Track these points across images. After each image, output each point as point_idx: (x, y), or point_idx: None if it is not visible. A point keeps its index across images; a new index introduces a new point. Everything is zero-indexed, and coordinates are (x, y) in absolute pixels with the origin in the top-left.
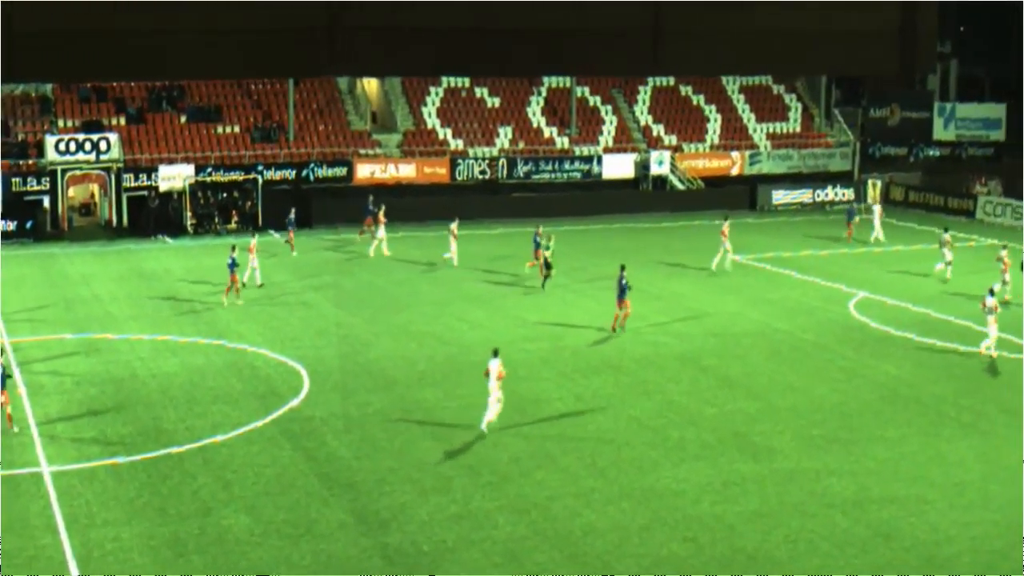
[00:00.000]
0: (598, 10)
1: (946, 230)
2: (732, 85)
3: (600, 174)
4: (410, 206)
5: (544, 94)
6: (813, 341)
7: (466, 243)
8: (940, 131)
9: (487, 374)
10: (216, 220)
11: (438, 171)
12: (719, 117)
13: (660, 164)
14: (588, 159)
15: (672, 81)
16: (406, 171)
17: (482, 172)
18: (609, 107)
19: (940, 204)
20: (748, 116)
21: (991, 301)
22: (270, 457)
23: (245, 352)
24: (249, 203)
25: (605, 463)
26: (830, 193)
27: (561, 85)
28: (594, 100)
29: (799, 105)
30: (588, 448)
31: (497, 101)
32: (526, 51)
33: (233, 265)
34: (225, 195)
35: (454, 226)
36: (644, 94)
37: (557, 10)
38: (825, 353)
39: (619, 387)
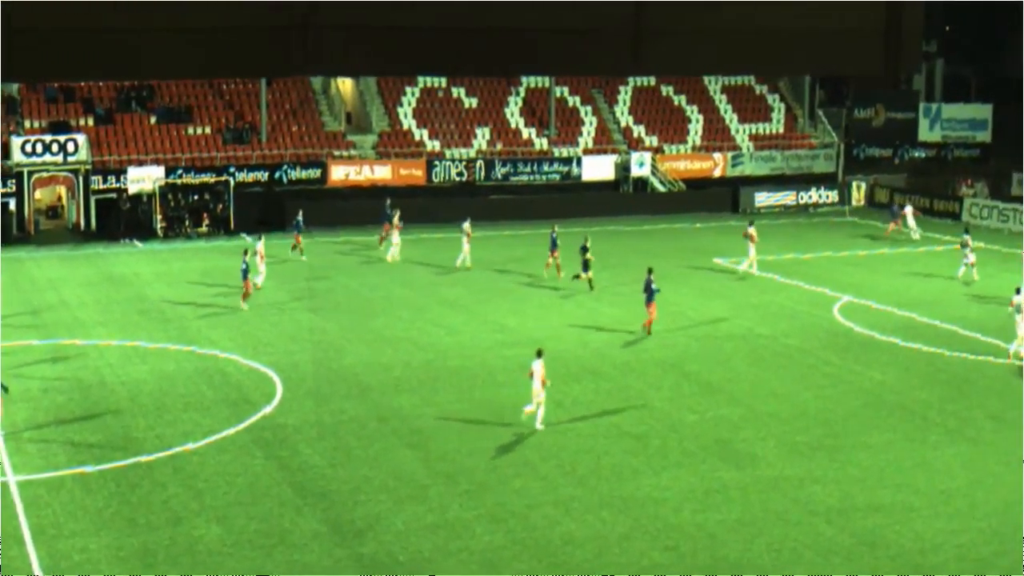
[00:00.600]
0: (577, 8)
1: (966, 231)
2: (714, 85)
3: (580, 176)
4: (385, 209)
5: (522, 94)
6: (797, 346)
7: (443, 246)
8: (926, 132)
9: (531, 375)
10: (187, 223)
11: (414, 173)
12: (701, 118)
13: (641, 166)
14: (567, 161)
15: (653, 81)
16: (381, 173)
17: (459, 174)
18: (589, 107)
19: (926, 206)
20: (730, 117)
21: (1018, 299)
22: (242, 466)
23: (216, 358)
24: (220, 206)
25: (585, 471)
26: (814, 195)
27: (540, 85)
28: (573, 100)
29: (782, 106)
30: (568, 456)
31: (474, 101)
32: (504, 50)
33: (246, 271)
34: (196, 198)
35: (467, 226)
36: (624, 94)
37: (535, 8)
38: (809, 358)
39: (599, 394)
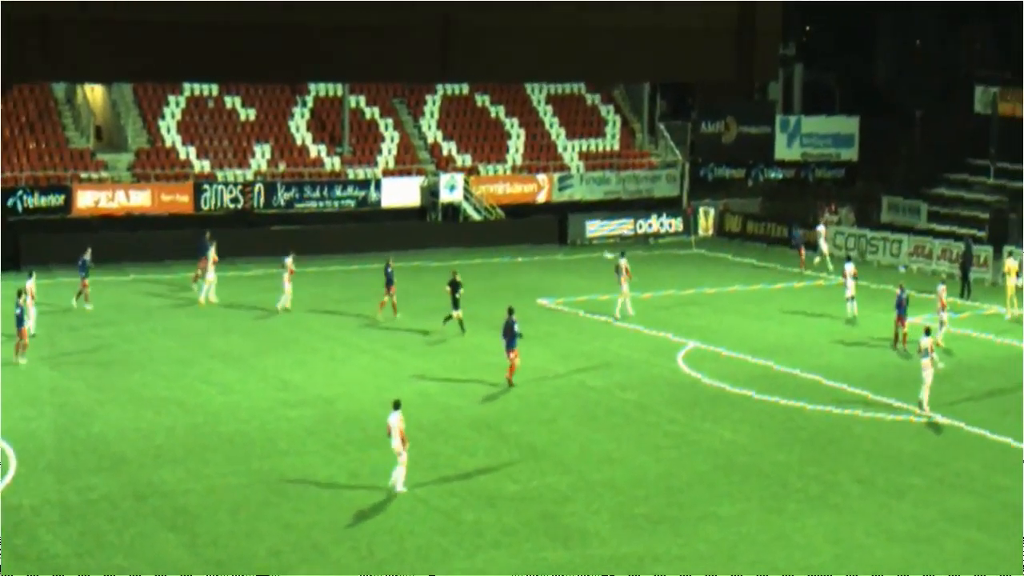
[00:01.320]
0: (375, 3)
1: (848, 259)
2: (538, 94)
3: (379, 202)
4: (144, 243)
5: (310, 105)
6: (635, 401)
7: (215, 287)
8: (783, 149)
9: (389, 432)
10: None
11: (179, 199)
12: (522, 133)
13: (452, 189)
14: (364, 184)
15: (466, 89)
16: (139, 199)
17: (234, 200)
18: (390, 120)
19: (783, 236)
20: (557, 131)
21: (926, 341)
22: None
23: None
24: None
25: (385, 554)
26: (654, 223)
27: (331, 94)
28: (371, 112)
29: (617, 118)
30: (364, 537)
31: (252, 113)
32: (287, 52)
33: (22, 317)
34: None
35: (289, 261)
36: (432, 105)
37: (326, 3)
38: (649, 415)
39: None
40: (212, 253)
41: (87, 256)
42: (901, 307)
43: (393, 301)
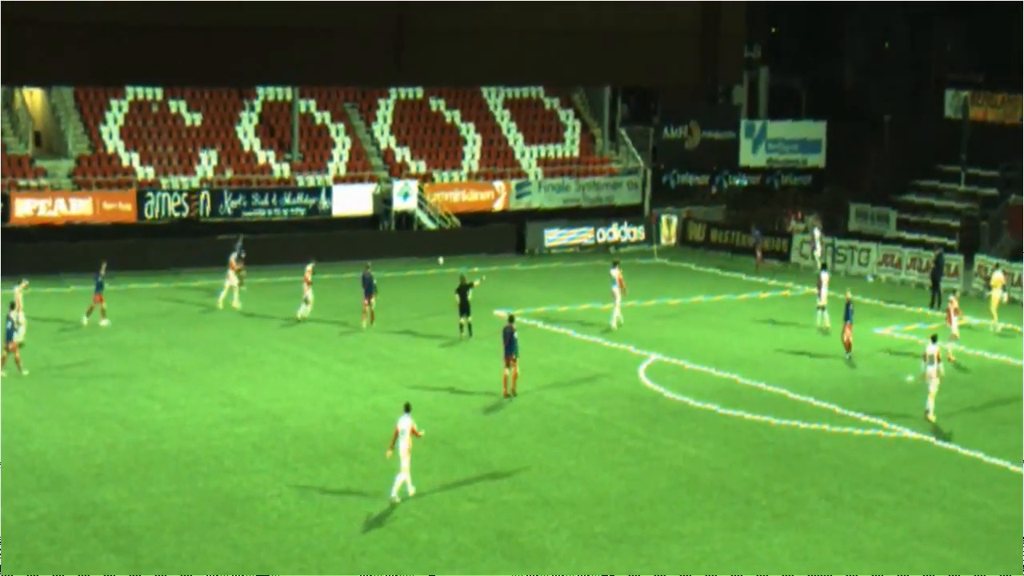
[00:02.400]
0: (326, 3)
1: (824, 268)
2: (495, 98)
3: (329, 210)
4: (85, 253)
5: (258, 109)
6: (595, 416)
7: (154, 299)
8: (748, 155)
9: (397, 435)
10: None
11: (121, 207)
12: (479, 138)
13: (405, 197)
14: (314, 191)
15: (420, 93)
16: (80, 208)
17: (179, 208)
18: (341, 126)
19: (749, 245)
20: (515, 137)
21: (933, 349)
22: None
23: None
24: None
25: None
26: (615, 232)
27: (280, 98)
28: (322, 117)
29: (577, 123)
30: (314, 558)
31: (198, 118)
32: (234, 53)
33: (12, 329)
34: None
35: (309, 269)
36: (385, 109)
37: (274, 3)
38: (609, 431)
39: (354, 479)
40: (234, 259)
41: (102, 272)
42: (848, 315)
43: (371, 310)
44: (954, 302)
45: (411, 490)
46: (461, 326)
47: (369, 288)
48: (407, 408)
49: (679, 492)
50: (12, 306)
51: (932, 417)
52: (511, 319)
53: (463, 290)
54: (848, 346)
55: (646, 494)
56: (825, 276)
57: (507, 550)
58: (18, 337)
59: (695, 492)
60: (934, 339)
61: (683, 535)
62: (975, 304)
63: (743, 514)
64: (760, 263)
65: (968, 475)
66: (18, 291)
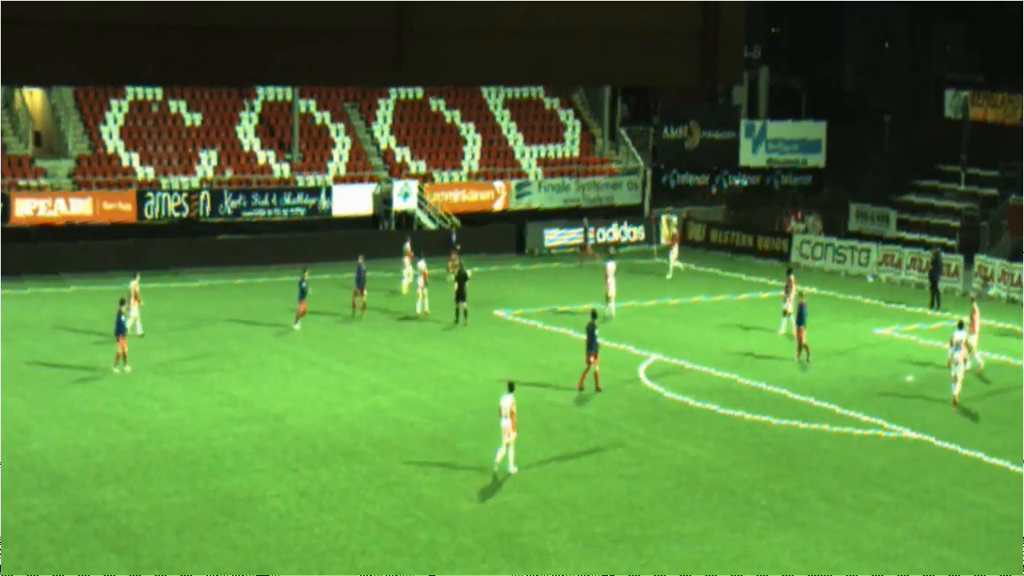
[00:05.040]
0: (327, 3)
1: (790, 271)
2: (495, 98)
3: (330, 210)
4: (85, 253)
5: (258, 109)
6: (595, 416)
7: (156, 300)
8: (748, 155)
9: (502, 413)
10: None
11: (121, 208)
12: (479, 138)
13: (405, 197)
14: (315, 191)
15: (420, 93)
16: (80, 208)
17: (179, 208)
18: (341, 126)
19: (748, 245)
20: (515, 137)
21: (959, 335)
22: None
23: None
24: None
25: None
26: (615, 232)
27: (280, 98)
28: (322, 117)
29: (577, 123)
30: (314, 558)
31: (198, 118)
32: (234, 53)
33: (122, 327)
34: None
35: (407, 252)
36: (385, 109)
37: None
38: (610, 431)
39: (354, 479)
40: (408, 248)
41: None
42: (801, 317)
43: (363, 301)
44: (976, 312)
45: (512, 468)
46: (457, 311)
47: (361, 280)
48: (510, 387)
49: (679, 492)
50: (122, 301)
51: (956, 400)
52: (593, 315)
53: (461, 278)
54: (799, 349)
55: (646, 494)
56: (792, 278)
57: (507, 550)
58: (134, 331)
59: (695, 492)
60: (960, 325)
61: (683, 535)
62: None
63: (743, 514)
64: (585, 257)
65: (968, 475)
66: (134, 284)
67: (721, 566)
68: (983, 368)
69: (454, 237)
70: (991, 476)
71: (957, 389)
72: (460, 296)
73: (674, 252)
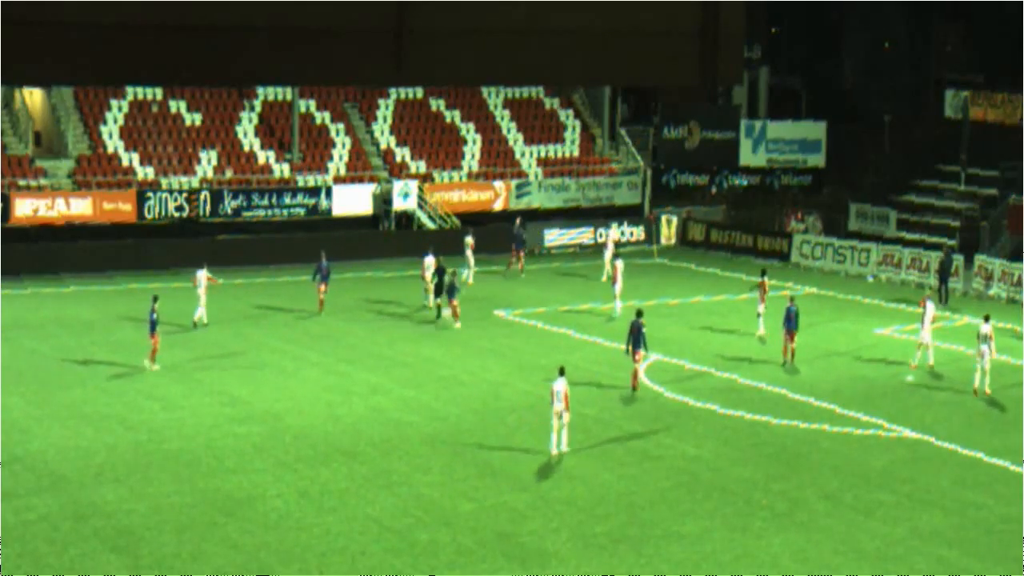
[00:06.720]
0: (326, 2)
1: (763, 273)
2: (495, 98)
3: (329, 210)
4: (85, 253)
5: (258, 109)
6: (594, 416)
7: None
8: (748, 155)
9: (553, 397)
10: None
11: (121, 207)
12: (479, 138)
13: (405, 197)
14: (315, 191)
15: (420, 93)
16: (80, 208)
17: (179, 208)
18: (341, 126)
19: (749, 245)
20: (514, 137)
21: (987, 328)
22: None
23: None
24: None
25: None
26: (615, 232)
27: (280, 98)
28: (322, 117)
29: (577, 123)
30: (314, 559)
31: (198, 118)
32: (234, 53)
33: (155, 323)
34: None
35: (469, 245)
36: (385, 109)
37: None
38: (609, 430)
39: (354, 479)
40: (470, 239)
41: (324, 262)
42: (790, 321)
43: (321, 298)
44: (926, 304)
45: (564, 448)
46: (438, 307)
47: (324, 275)
48: (561, 371)
49: (679, 492)
50: (155, 298)
51: (977, 391)
52: (639, 313)
53: (440, 272)
54: (787, 352)
55: (646, 494)
56: (764, 280)
57: (507, 550)
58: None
59: (695, 492)
60: (987, 318)
61: (683, 535)
62: (974, 304)
63: (743, 514)
64: (512, 264)
65: (968, 475)
66: (202, 275)
67: (721, 566)
68: (933, 364)
69: (523, 233)
70: (991, 476)
71: (977, 381)
72: (438, 291)
73: (609, 252)
